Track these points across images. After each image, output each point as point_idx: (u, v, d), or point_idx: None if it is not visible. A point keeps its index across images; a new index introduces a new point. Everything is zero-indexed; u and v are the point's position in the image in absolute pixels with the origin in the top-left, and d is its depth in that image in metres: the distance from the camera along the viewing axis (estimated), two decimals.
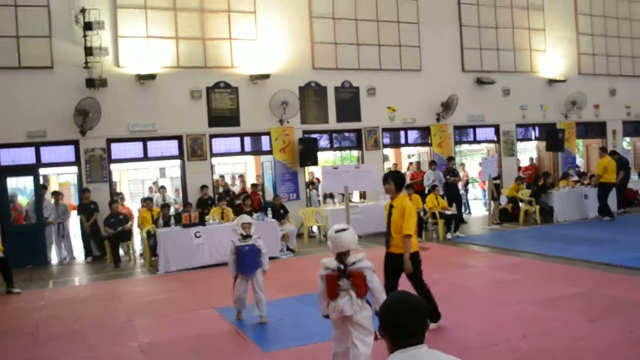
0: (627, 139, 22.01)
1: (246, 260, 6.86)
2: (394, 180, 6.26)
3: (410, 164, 18.45)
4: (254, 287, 6.91)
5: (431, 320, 6.14)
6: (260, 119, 15.07)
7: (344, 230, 4.59)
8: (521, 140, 19.59)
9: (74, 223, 14.55)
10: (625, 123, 21.08)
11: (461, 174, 17.76)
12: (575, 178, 17.19)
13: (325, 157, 21.70)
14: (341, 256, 4.55)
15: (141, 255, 13.11)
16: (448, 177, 15.85)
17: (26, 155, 13.32)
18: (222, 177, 16.73)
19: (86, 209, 13.16)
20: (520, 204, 15.72)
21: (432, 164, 16.13)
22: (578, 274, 8.80)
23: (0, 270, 10.09)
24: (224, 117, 14.79)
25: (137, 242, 13.82)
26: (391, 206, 6.24)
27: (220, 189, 15.57)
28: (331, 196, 15.90)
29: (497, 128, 18.62)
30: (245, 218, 7.03)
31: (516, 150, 19.13)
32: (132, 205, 15.65)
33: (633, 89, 20.81)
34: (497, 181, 16.05)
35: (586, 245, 11.29)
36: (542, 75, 19.13)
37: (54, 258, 13.47)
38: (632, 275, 8.53)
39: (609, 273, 8.74)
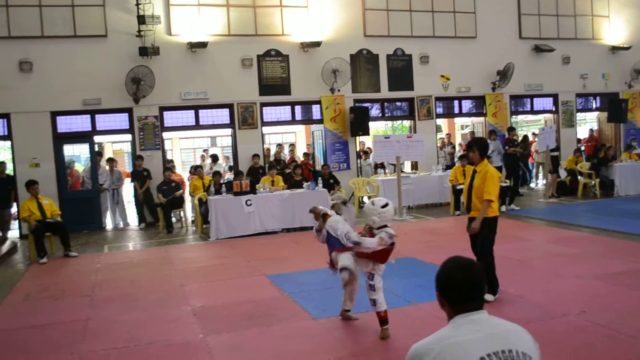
0: None
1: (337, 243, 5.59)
2: (479, 147, 6.31)
3: (471, 132, 17.98)
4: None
5: (490, 291, 6.09)
6: (311, 87, 14.94)
7: (387, 204, 5.13)
8: (581, 110, 18.91)
9: (128, 190, 14.83)
10: None
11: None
12: (639, 150, 16.51)
13: (377, 127, 21.45)
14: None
15: (193, 222, 13.29)
16: (507, 147, 15.48)
17: (82, 123, 13.59)
18: (280, 145, 16.70)
19: (139, 176, 13.38)
20: (579, 177, 15.23)
21: (491, 133, 15.69)
22: (638, 250, 8.45)
23: (58, 234, 10.40)
24: (274, 86, 14.73)
25: (189, 209, 14.01)
26: (474, 172, 6.32)
27: (272, 158, 15.56)
28: (382, 166, 15.73)
29: (555, 98, 18.00)
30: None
31: (575, 121, 18.47)
32: (183, 173, 15.82)
33: None
34: (556, 153, 15.53)
35: None
36: (605, 42, 18.33)
37: (108, 224, 13.80)
38: None
39: None
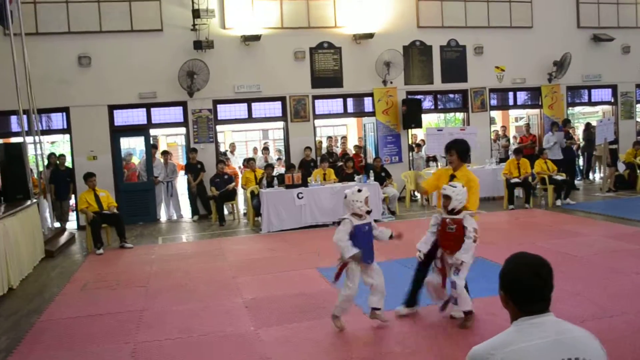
0: None
1: (369, 242, 5.43)
2: (458, 150, 5.79)
3: (526, 124, 17.53)
4: (376, 276, 5.48)
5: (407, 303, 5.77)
6: (363, 79, 14.89)
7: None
8: None
9: (182, 182, 15.11)
10: None
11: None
12: None
13: (429, 119, 21.21)
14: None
15: (245, 214, 13.45)
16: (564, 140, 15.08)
17: (138, 116, 13.91)
18: (331, 138, 16.73)
19: (193, 168, 13.60)
20: (638, 170, 14.72)
21: (554, 125, 15.27)
22: None
23: (114, 226, 10.68)
24: (326, 78, 14.73)
25: (241, 202, 14.17)
26: (452, 177, 5.72)
27: (324, 151, 15.58)
28: (434, 159, 15.56)
29: (614, 89, 17.44)
30: (365, 190, 5.54)
31: (635, 113, 17.86)
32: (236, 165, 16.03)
33: None
34: (614, 146, 15.05)
35: None
36: None
37: (162, 216, 14.09)
38: None
39: None
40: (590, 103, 18.09)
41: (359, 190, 5.42)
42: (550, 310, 2.07)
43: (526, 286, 2.05)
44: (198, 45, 13.32)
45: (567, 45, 16.16)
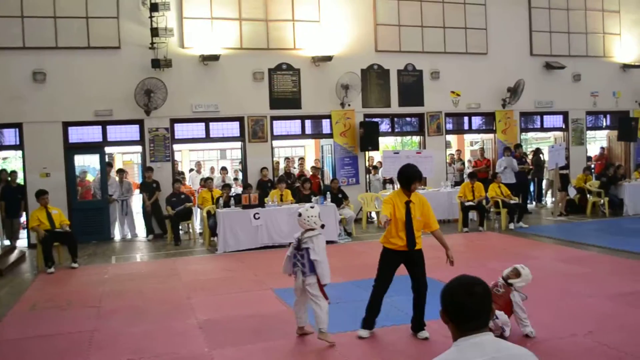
0: None
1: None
2: (399, 180, 5.84)
3: (481, 149, 17.88)
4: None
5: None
6: (321, 101, 15.01)
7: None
8: (591, 128, 18.86)
9: (137, 201, 14.90)
10: None
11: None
12: None
13: (386, 142, 21.46)
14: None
15: (201, 234, 13.32)
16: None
17: (93, 133, 13.71)
18: (288, 159, 16.76)
19: (148, 187, 13.44)
20: (588, 195, 15.15)
21: (506, 150, 15.66)
22: None
23: (66, 244, 10.44)
24: (285, 99, 14.80)
25: (197, 221, 14.04)
26: (409, 202, 5.73)
27: (282, 172, 15.58)
28: (391, 181, 15.71)
29: (565, 115, 17.96)
30: (317, 207, 5.77)
31: (585, 139, 18.42)
32: (193, 185, 15.94)
33: None
34: (566, 171, 15.48)
35: None
36: (616, 60, 18.31)
37: (116, 234, 13.85)
38: None
39: None
40: (543, 129, 18.58)
41: (312, 207, 5.67)
42: (489, 330, 2.12)
43: (461, 305, 2.10)
44: (156, 63, 13.23)
45: (521, 72, 16.61)
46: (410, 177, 5.67)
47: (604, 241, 10.81)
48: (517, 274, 5.71)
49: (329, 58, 14.80)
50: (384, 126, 16.13)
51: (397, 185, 15.10)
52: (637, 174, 15.82)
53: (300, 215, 5.60)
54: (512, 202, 13.42)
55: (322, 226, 5.69)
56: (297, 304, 5.72)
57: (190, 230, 13.41)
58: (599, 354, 5.08)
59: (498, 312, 5.43)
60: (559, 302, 6.81)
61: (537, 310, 6.44)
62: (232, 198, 12.08)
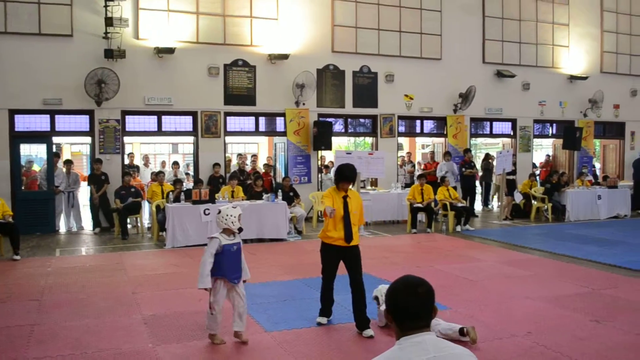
0: None
1: (236, 262, 5.47)
2: (335, 175, 6.16)
3: (431, 152, 18.18)
4: (238, 298, 5.53)
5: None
6: (276, 99, 15.00)
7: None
8: (538, 136, 19.39)
9: (84, 193, 14.61)
10: None
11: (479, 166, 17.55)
12: (590, 178, 16.99)
13: (339, 142, 21.59)
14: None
15: (149, 229, 13.15)
16: (464, 169, 15.76)
17: (41, 122, 13.35)
18: (241, 156, 16.67)
19: (97, 179, 13.20)
20: (533, 200, 15.58)
21: (446, 154, 16.07)
22: (586, 274, 8.71)
23: (8, 236, 10.17)
24: (240, 96, 14.74)
25: (146, 215, 13.87)
26: (346, 197, 5.95)
27: (235, 168, 15.50)
28: None
29: (514, 122, 18.42)
30: (239, 208, 5.63)
31: (532, 146, 18.95)
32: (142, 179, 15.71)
33: None
34: (512, 176, 15.89)
35: (596, 245, 11.18)
36: (563, 72, 18.88)
37: (62, 227, 13.55)
38: (639, 277, 8.44)
39: (617, 275, 8.66)
40: (492, 135, 19.02)
41: (234, 207, 5.55)
42: (431, 330, 2.17)
43: (404, 305, 2.15)
44: (109, 53, 13.00)
45: (473, 78, 16.97)
46: (346, 176, 5.94)
47: (545, 245, 11.15)
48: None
49: (285, 56, 14.81)
50: (338, 126, 16.23)
51: (350, 186, 15.28)
52: (579, 182, 16.35)
53: (219, 212, 5.49)
54: (459, 205, 13.70)
55: (240, 229, 5.48)
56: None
57: (139, 225, 13.22)
58: (537, 354, 5.26)
59: None
60: (500, 303, 7.00)
61: (478, 311, 6.63)
62: (182, 193, 11.98)
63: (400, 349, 2.11)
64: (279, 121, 15.46)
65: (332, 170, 15.94)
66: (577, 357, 5.17)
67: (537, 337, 5.69)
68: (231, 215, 5.40)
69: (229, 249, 5.37)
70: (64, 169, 13.62)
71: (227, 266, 5.35)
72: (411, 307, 2.14)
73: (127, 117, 13.91)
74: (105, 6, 12.84)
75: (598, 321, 6.20)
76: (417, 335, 2.12)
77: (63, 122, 13.54)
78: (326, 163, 16.78)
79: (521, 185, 16.07)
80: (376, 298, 6.21)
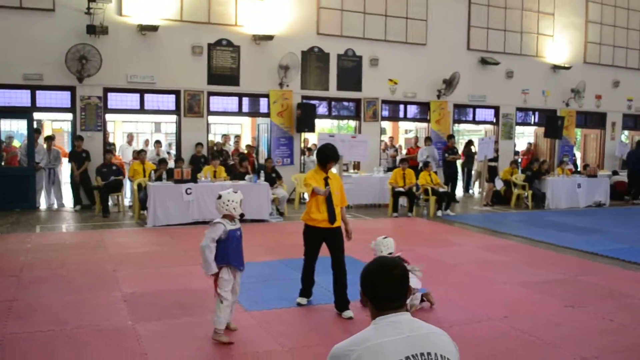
0: (626, 132, 22.01)
1: (240, 248, 5.20)
2: (317, 158, 6.19)
3: (415, 137, 18.26)
4: (237, 287, 5.27)
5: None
6: (260, 80, 14.93)
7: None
8: (520, 124, 19.55)
9: (65, 170, 14.47)
10: (626, 116, 21.05)
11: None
12: (571, 166, 17.17)
13: (323, 125, 21.58)
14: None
15: (130, 207, 13.09)
16: (447, 154, 15.83)
17: (21, 98, 13.18)
18: (225, 136, 16.61)
19: (78, 156, 13.08)
20: (514, 187, 15.72)
21: (427, 140, 16.15)
22: (563, 260, 8.84)
23: None
24: (223, 76, 14.65)
25: (128, 194, 13.79)
26: (327, 178, 6.00)
27: (215, 148, 15.45)
28: None
29: (497, 110, 18.54)
30: (240, 193, 5.26)
31: (514, 134, 19.09)
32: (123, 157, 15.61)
33: (636, 83, 20.71)
34: (494, 163, 16.01)
35: (574, 233, 11.34)
36: (547, 61, 19.00)
37: (42, 204, 13.43)
38: (615, 265, 8.59)
39: (593, 262, 8.81)
40: (475, 121, 19.12)
41: (235, 192, 5.19)
42: (405, 309, 2.21)
43: (379, 287, 2.19)
44: (91, 29, 12.82)
45: (457, 65, 17.02)
46: (328, 156, 5.99)
47: (524, 232, 11.28)
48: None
49: (270, 37, 14.72)
50: (322, 109, 16.21)
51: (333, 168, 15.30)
52: (560, 170, 16.51)
53: (220, 197, 5.11)
54: (441, 190, 13.79)
55: (242, 215, 5.18)
56: None
57: (120, 203, 13.15)
58: (512, 338, 5.34)
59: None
60: (478, 288, 7.10)
61: (457, 294, 6.72)
62: (164, 172, 11.92)
63: (376, 328, 2.15)
64: (263, 102, 15.41)
65: (315, 153, 15.94)
66: (551, 341, 5.26)
67: (513, 321, 5.77)
68: (233, 201, 5.07)
69: (234, 235, 5.06)
70: (45, 146, 13.47)
71: (232, 253, 5.06)
72: (387, 288, 2.18)
73: (109, 94, 13.77)
74: None
75: (573, 306, 6.30)
76: (393, 315, 2.16)
77: (44, 98, 13.37)
78: (309, 145, 16.77)
79: (502, 172, 16.18)
80: None
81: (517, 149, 19.90)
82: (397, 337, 2.09)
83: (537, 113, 19.52)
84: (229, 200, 5.06)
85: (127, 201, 13.56)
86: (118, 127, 22.32)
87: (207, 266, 4.96)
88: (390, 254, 6.02)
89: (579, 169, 17.97)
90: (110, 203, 12.96)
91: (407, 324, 2.14)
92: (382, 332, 2.12)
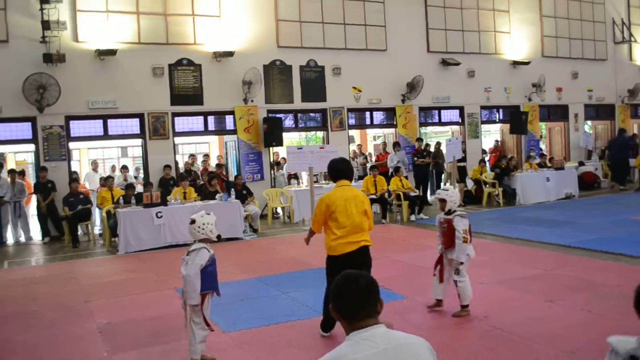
0: (589, 122, 22.38)
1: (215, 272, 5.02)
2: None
3: (383, 143, 18.33)
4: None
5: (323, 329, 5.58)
6: (224, 97, 14.84)
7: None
8: (485, 122, 19.73)
9: (32, 202, 14.18)
10: (587, 106, 21.40)
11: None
12: (538, 161, 17.39)
13: (291, 138, 21.55)
14: None
15: (101, 235, 12.87)
16: (416, 158, 15.91)
17: None
18: (192, 156, 16.46)
19: (43, 188, 12.81)
20: (484, 186, 15.84)
21: (395, 145, 16.20)
22: (538, 255, 8.91)
23: None
24: (186, 95, 14.52)
25: (97, 222, 13.56)
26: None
27: (182, 169, 15.31)
28: (296, 177, 15.80)
29: (461, 110, 18.70)
30: (212, 214, 5.08)
31: (480, 133, 19.26)
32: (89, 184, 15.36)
33: (594, 73, 21.10)
34: (463, 163, 16.13)
35: (546, 227, 11.44)
36: (506, 57, 19.23)
37: (9, 238, 13.12)
38: (589, 256, 8.67)
39: (567, 254, 8.89)
40: (441, 123, 19.26)
41: (208, 214, 5.01)
42: (380, 322, 2.19)
43: (346, 297, 2.18)
44: (48, 58, 12.62)
45: (419, 68, 17.13)
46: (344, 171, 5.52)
47: (498, 230, 11.35)
48: (443, 200, 6.09)
49: (230, 53, 14.66)
50: (288, 122, 16.17)
51: (302, 181, 15.25)
52: (527, 165, 16.70)
53: (193, 222, 4.88)
54: (412, 194, 13.83)
55: (218, 237, 5.03)
56: (185, 325, 5.00)
57: (90, 232, 12.91)
58: (493, 337, 5.34)
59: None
60: (454, 290, 7.06)
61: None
62: (133, 197, 11.75)
63: (350, 344, 2.13)
64: (229, 119, 15.32)
65: (285, 167, 15.91)
66: (532, 337, 5.27)
67: (494, 320, 5.78)
68: (208, 224, 4.88)
69: (214, 259, 4.88)
70: (9, 179, 13.17)
71: (215, 278, 4.90)
72: (353, 298, 2.16)
73: (71, 122, 13.56)
74: (41, 9, 12.45)
75: (552, 301, 6.34)
76: (366, 329, 2.14)
77: (4, 130, 13.13)
78: (279, 159, 16.70)
79: (471, 172, 16.32)
80: None
81: (484, 147, 20.08)
82: (373, 351, 2.07)
83: (501, 110, 19.74)
84: (204, 224, 4.87)
85: (97, 229, 13.32)
86: (84, 155, 21.99)
87: (194, 296, 4.72)
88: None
89: (546, 162, 18.11)
90: (79, 233, 12.72)
91: (381, 338, 2.12)
92: (356, 347, 2.10)
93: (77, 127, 13.77)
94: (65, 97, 12.86)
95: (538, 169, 16.50)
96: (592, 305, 6.10)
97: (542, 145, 21.78)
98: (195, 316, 4.80)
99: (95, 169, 15.99)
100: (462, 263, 5.91)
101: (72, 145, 14.14)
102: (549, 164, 16.94)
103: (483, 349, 5.10)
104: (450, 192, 6.17)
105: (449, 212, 6.04)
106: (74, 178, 13.18)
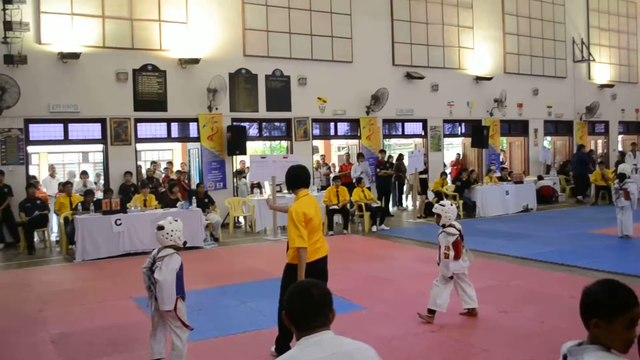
0: (548, 137, 22.87)
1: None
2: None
3: (347, 154, 18.46)
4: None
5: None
6: (188, 104, 14.74)
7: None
8: (448, 135, 20.00)
9: None
10: (547, 122, 21.88)
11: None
12: (498, 174, 17.68)
13: (255, 147, 21.49)
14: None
15: (57, 242, 12.61)
16: (379, 169, 16.01)
17: None
18: (154, 163, 16.28)
19: None
20: (445, 198, 16.00)
21: (359, 156, 16.30)
22: (494, 267, 9.06)
23: None
24: (150, 101, 14.38)
25: (54, 228, 13.30)
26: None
27: (144, 176, 15.14)
28: (259, 186, 15.76)
29: (425, 123, 18.91)
30: (179, 220, 5.04)
31: (443, 146, 19.52)
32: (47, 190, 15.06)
33: (554, 90, 21.60)
34: (425, 175, 16.30)
35: (504, 239, 11.65)
36: (469, 73, 19.55)
37: None
38: (544, 268, 8.87)
39: (523, 266, 9.07)
40: (404, 135, 19.47)
41: (175, 220, 4.97)
42: (329, 328, 2.22)
43: (298, 306, 2.22)
44: (9, 59, 12.38)
45: (384, 80, 17.30)
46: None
47: None
48: (438, 215, 6.38)
49: (196, 61, 14.58)
50: (252, 130, 16.14)
51: (265, 190, 15.21)
52: (488, 178, 16.97)
53: (162, 228, 4.84)
54: (374, 205, 13.93)
55: (185, 244, 5.00)
56: (152, 333, 4.99)
57: (46, 238, 12.64)
58: (448, 347, 5.43)
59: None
60: (414, 301, 7.13)
61: (393, 309, 6.75)
62: (92, 204, 11.56)
63: (300, 349, 2.17)
64: (192, 127, 15.21)
65: (248, 176, 15.86)
66: (486, 347, 5.36)
67: (449, 330, 5.86)
68: (177, 230, 4.84)
69: (182, 265, 4.87)
70: None
71: (183, 283, 4.87)
72: (305, 308, 2.20)
73: (30, 125, 13.30)
74: (4, 10, 12.22)
75: (506, 312, 6.46)
76: (315, 335, 2.18)
77: None
78: (244, 168, 16.63)
79: (433, 184, 16.50)
80: None
81: (446, 160, 20.33)
82: (321, 356, 2.11)
83: (463, 124, 20.05)
84: (172, 230, 4.83)
85: (53, 236, 13.05)
86: (43, 159, 21.58)
87: (170, 301, 4.68)
88: None
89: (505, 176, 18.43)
90: (35, 239, 12.43)
91: (328, 343, 2.17)
92: (306, 353, 2.14)
93: (37, 131, 13.52)
94: (25, 99, 12.60)
95: (498, 182, 16.77)
96: (545, 316, 6.23)
97: (502, 159, 22.17)
98: (174, 320, 4.81)
99: (52, 174, 15.70)
100: (451, 278, 6.23)
101: (31, 149, 13.88)
102: (509, 178, 17.25)
103: (439, 359, 5.16)
104: (447, 207, 6.37)
105: (444, 226, 6.29)
106: (31, 183, 12.90)
